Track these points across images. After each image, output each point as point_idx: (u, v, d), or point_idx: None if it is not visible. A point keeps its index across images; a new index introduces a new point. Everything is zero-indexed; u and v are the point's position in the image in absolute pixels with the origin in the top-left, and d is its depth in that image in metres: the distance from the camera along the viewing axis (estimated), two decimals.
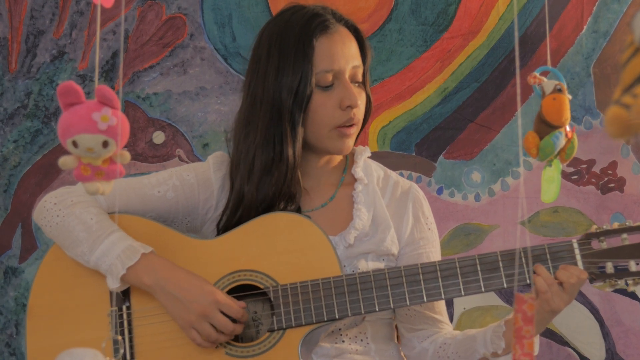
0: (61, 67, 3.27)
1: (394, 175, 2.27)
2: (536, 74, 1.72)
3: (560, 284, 2.00)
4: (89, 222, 2.08)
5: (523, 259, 2.05)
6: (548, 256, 2.05)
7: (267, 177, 2.10)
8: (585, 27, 3.15)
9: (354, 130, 2.14)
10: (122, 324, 2.10)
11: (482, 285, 2.06)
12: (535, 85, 1.73)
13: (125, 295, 2.11)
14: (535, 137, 1.68)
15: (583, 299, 3.15)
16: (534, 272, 2.02)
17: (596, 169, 3.18)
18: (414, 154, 3.24)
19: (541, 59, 3.16)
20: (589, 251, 2.05)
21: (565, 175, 3.14)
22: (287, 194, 2.12)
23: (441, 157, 3.23)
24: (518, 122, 3.14)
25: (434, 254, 2.23)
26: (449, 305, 3.18)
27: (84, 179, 1.32)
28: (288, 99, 2.09)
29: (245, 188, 2.12)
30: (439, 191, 3.23)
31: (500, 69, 3.21)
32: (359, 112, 2.14)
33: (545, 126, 1.68)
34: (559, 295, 1.99)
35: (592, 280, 2.04)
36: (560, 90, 1.68)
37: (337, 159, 2.25)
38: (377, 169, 2.26)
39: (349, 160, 2.27)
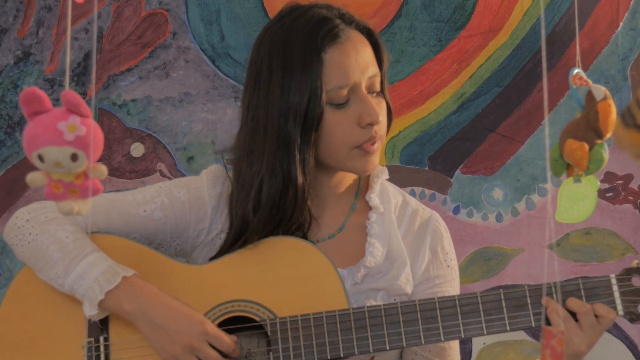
0: (26, 70, 3.27)
1: (413, 202, 2.26)
2: (582, 74, 1.72)
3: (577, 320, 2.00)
4: (65, 240, 2.07)
5: (554, 295, 2.04)
6: (582, 292, 2.04)
7: (276, 209, 2.09)
8: (621, 24, 3.16)
9: (378, 146, 2.11)
10: (98, 357, 2.09)
11: (507, 323, 2.06)
12: (575, 87, 1.72)
13: (103, 325, 2.11)
14: (586, 147, 1.68)
15: (619, 333, 3.15)
16: (545, 307, 2.02)
17: (634, 185, 3.18)
18: (427, 168, 3.24)
19: (571, 60, 3.17)
20: (629, 288, 2.04)
21: (598, 193, 3.14)
22: (294, 224, 2.12)
23: (458, 172, 3.23)
24: (545, 132, 3.14)
25: (452, 294, 2.22)
26: (467, 340, 3.18)
27: (56, 197, 1.32)
28: (296, 123, 2.06)
29: (250, 217, 2.11)
30: (456, 210, 3.23)
31: (525, 72, 3.21)
32: (381, 127, 2.11)
33: (594, 135, 1.68)
34: (577, 333, 1.99)
35: (632, 321, 2.04)
36: (609, 97, 1.70)
37: (351, 177, 2.22)
38: (395, 194, 2.24)
39: (363, 182, 2.25)
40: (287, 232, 2.11)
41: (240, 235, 2.13)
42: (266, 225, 2.10)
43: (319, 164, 2.13)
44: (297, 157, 2.07)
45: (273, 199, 2.08)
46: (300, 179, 2.07)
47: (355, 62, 2.08)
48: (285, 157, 2.07)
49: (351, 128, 2.08)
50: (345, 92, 2.07)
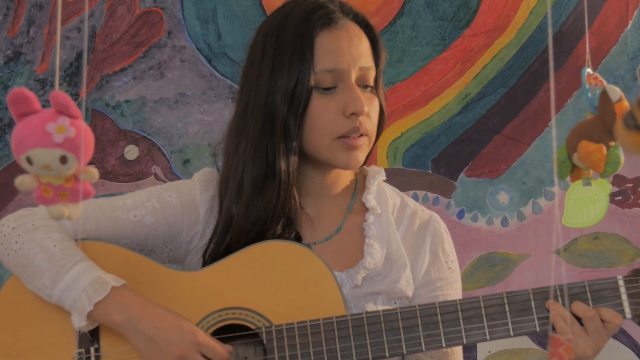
0: (17, 70, 3.27)
1: (411, 203, 2.26)
2: (597, 74, 1.72)
3: (582, 324, 2.00)
4: (52, 249, 2.07)
5: (559, 299, 2.04)
6: (589, 295, 2.04)
7: (258, 195, 2.10)
8: (630, 22, 3.16)
9: (363, 142, 2.11)
10: None
11: (510, 328, 2.05)
12: (589, 87, 1.72)
13: (93, 335, 2.10)
14: (604, 149, 1.68)
15: (628, 341, 3.14)
16: (548, 310, 2.02)
17: None
18: (430, 171, 3.24)
19: (579, 59, 3.16)
20: (637, 290, 2.04)
21: None
22: (281, 216, 2.11)
23: (462, 175, 3.23)
24: (552, 134, 3.14)
25: (453, 297, 2.22)
26: (472, 348, 3.17)
27: (45, 201, 1.31)
28: (282, 104, 2.08)
29: (234, 208, 2.11)
30: (460, 214, 3.23)
31: (531, 72, 3.21)
32: (368, 121, 2.11)
33: (609, 137, 1.68)
34: (583, 338, 1.99)
35: None
36: (624, 98, 1.70)
37: (347, 178, 2.23)
38: (393, 196, 2.24)
39: (360, 183, 2.25)
40: (277, 227, 2.12)
41: (227, 226, 2.13)
42: (249, 210, 2.10)
43: (307, 157, 2.13)
44: (281, 140, 2.08)
45: (255, 182, 2.09)
46: (283, 165, 2.08)
47: (347, 49, 2.10)
48: (270, 139, 2.08)
49: (335, 116, 2.08)
50: (331, 76, 2.08)
